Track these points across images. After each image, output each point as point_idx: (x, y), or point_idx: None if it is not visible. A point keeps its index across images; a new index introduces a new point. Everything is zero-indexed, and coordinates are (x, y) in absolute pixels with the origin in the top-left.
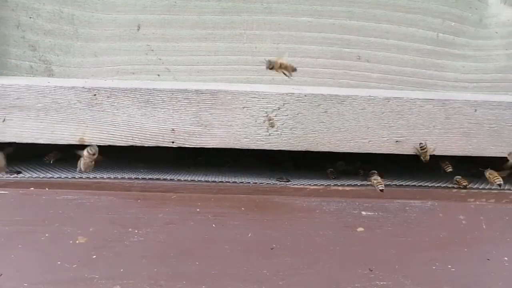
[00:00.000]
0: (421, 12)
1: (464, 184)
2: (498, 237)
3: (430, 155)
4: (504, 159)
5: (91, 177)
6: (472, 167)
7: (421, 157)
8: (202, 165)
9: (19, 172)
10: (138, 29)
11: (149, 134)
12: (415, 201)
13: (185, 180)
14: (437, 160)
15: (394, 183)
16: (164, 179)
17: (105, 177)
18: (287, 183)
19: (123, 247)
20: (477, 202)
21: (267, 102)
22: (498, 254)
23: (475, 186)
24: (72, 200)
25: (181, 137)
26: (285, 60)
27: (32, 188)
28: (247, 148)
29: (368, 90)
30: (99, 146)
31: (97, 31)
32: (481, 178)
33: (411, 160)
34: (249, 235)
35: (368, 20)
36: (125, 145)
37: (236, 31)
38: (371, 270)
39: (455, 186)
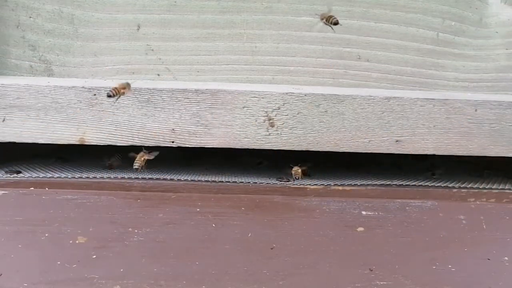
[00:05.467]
0: (421, 12)
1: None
2: (498, 237)
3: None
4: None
5: (91, 177)
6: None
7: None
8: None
9: (19, 172)
10: (138, 29)
11: (150, 134)
12: (415, 201)
13: (185, 180)
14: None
15: (394, 183)
16: (164, 179)
17: (105, 177)
18: (287, 183)
19: (123, 247)
20: (478, 202)
21: (267, 101)
22: (498, 254)
23: (476, 186)
24: (72, 200)
25: (181, 137)
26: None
27: (32, 188)
28: (247, 148)
29: (368, 90)
30: (98, 146)
31: (97, 31)
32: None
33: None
34: (249, 235)
35: (368, 20)
36: (126, 145)
37: (236, 31)
38: (371, 270)
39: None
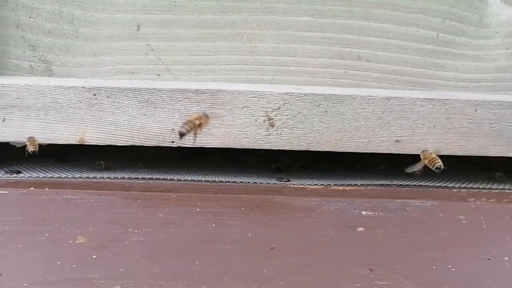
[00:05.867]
0: (421, 12)
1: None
2: (498, 237)
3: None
4: (505, 159)
5: (91, 177)
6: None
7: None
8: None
9: (19, 172)
10: (138, 29)
11: (149, 134)
12: (415, 201)
13: (185, 180)
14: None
15: (394, 183)
16: (164, 179)
17: (105, 177)
18: (287, 183)
19: (123, 247)
20: (478, 202)
21: (267, 101)
22: (498, 254)
23: (476, 186)
24: (72, 200)
25: None
26: None
27: (32, 188)
28: (247, 148)
29: (368, 90)
30: (100, 146)
31: (97, 31)
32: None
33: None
34: (249, 235)
35: (368, 20)
36: (125, 144)
37: (236, 31)
38: (371, 270)
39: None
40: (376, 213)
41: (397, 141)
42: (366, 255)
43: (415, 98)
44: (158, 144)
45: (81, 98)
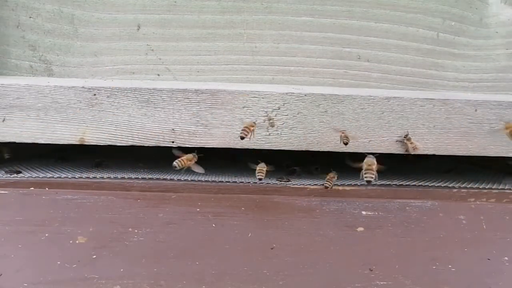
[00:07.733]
0: (421, 12)
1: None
2: (498, 237)
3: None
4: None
5: (91, 177)
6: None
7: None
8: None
9: (19, 172)
10: (138, 29)
11: (150, 134)
12: (415, 201)
13: (185, 180)
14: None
15: (394, 183)
16: (164, 179)
17: (105, 177)
18: (287, 183)
19: (123, 247)
20: (478, 202)
21: (267, 101)
22: (498, 254)
23: (476, 186)
24: (72, 200)
25: (181, 137)
26: None
27: (32, 188)
28: (247, 148)
29: (368, 90)
30: (100, 146)
31: (97, 31)
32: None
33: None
34: (249, 235)
35: (368, 20)
36: (125, 145)
37: (236, 31)
38: (371, 270)
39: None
40: (376, 213)
41: (397, 141)
42: (366, 255)
43: (415, 98)
44: (158, 144)
45: (81, 98)
